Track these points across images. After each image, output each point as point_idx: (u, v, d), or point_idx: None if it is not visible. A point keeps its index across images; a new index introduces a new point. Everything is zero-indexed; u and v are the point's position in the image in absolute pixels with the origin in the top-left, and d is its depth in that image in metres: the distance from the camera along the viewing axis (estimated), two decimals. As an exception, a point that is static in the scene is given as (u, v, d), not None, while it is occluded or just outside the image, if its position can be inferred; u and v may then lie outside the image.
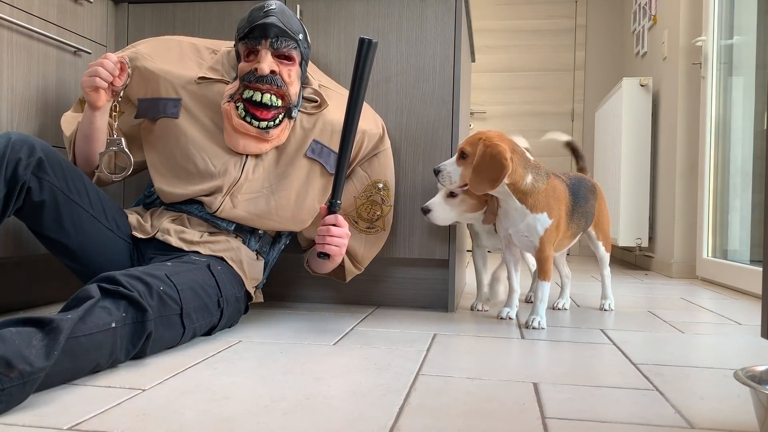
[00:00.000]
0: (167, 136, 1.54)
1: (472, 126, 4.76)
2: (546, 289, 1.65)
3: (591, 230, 1.88)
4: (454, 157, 1.58)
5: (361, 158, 1.66)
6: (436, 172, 1.58)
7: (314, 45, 1.86)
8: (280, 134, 1.53)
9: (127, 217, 1.51)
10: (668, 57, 3.40)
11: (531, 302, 2.11)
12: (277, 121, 1.51)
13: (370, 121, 1.66)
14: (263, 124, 1.50)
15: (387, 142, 1.70)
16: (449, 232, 1.81)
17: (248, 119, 1.48)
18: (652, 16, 3.70)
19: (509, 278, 1.77)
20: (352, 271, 1.72)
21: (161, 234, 1.47)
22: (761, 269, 1.81)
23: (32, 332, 0.93)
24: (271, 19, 1.48)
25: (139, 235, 1.48)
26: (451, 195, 1.63)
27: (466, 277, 2.78)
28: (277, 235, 1.67)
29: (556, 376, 1.14)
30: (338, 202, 1.46)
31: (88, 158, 1.52)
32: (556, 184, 1.64)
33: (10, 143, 1.23)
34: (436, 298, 1.90)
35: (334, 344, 1.37)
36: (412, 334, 1.50)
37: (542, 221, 1.60)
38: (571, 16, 4.74)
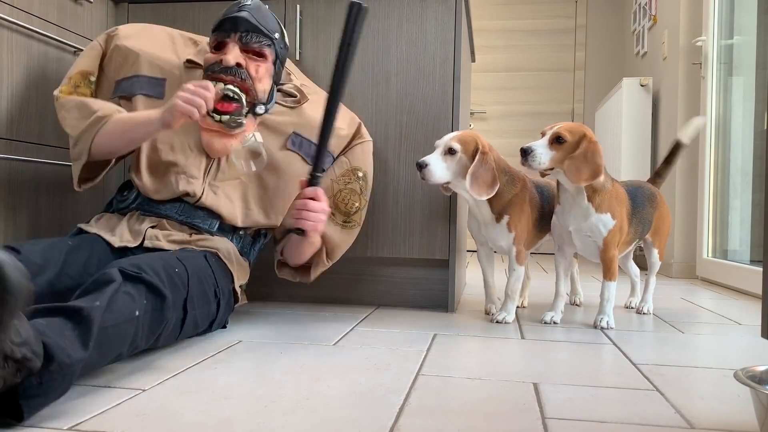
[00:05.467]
0: None
1: (472, 126, 4.76)
2: (612, 289, 1.64)
3: (648, 237, 1.87)
4: (545, 140, 1.55)
5: (338, 153, 1.67)
6: (526, 152, 1.53)
7: (314, 46, 1.86)
8: (245, 131, 1.50)
9: (101, 240, 1.39)
10: (668, 57, 3.39)
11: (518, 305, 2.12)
12: (240, 119, 1.46)
13: (342, 121, 1.66)
14: (224, 117, 1.44)
15: (366, 135, 1.70)
16: (449, 232, 1.81)
17: (209, 113, 1.44)
18: (652, 16, 3.70)
19: (557, 281, 1.73)
20: (323, 263, 1.64)
21: (150, 241, 1.41)
22: (761, 269, 1.81)
23: (62, 323, 0.90)
24: (243, 14, 1.47)
25: (129, 245, 1.39)
26: (450, 152, 1.60)
27: (466, 277, 2.79)
28: (256, 235, 1.65)
29: (556, 376, 1.14)
30: (319, 175, 1.39)
31: (111, 154, 1.45)
32: (618, 187, 1.66)
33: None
34: (436, 298, 1.90)
35: (334, 344, 1.37)
36: (412, 334, 1.50)
37: (605, 222, 1.61)
38: (571, 16, 4.74)
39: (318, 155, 1.38)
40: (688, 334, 1.60)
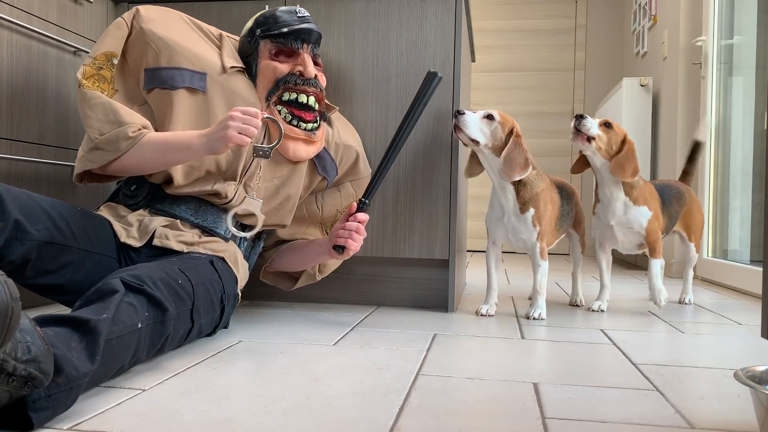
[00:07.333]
0: (190, 108, 1.45)
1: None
2: (659, 264, 1.87)
3: (683, 231, 2.08)
4: (597, 120, 1.80)
5: (353, 176, 1.74)
6: (581, 117, 1.76)
7: (314, 45, 1.86)
8: (321, 136, 1.56)
9: (108, 225, 1.38)
10: (668, 57, 3.40)
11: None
12: (317, 124, 1.54)
13: (356, 140, 1.75)
14: (309, 126, 1.52)
15: (369, 167, 1.80)
16: (449, 232, 1.81)
17: (295, 122, 1.49)
18: (652, 16, 3.70)
19: (601, 275, 1.93)
20: (313, 278, 1.75)
21: (159, 240, 1.38)
22: (761, 269, 1.81)
23: (69, 333, 0.90)
24: (312, 26, 1.53)
25: (134, 244, 1.37)
26: (488, 117, 1.70)
27: (466, 276, 2.79)
28: (257, 238, 1.65)
29: (556, 376, 1.14)
30: (368, 203, 1.52)
31: (133, 172, 1.41)
32: (648, 185, 1.89)
33: None
34: (436, 298, 1.90)
35: (334, 344, 1.37)
36: (412, 334, 1.50)
37: (644, 213, 1.84)
38: (571, 16, 4.74)
39: (372, 187, 1.53)
40: (688, 334, 1.60)
